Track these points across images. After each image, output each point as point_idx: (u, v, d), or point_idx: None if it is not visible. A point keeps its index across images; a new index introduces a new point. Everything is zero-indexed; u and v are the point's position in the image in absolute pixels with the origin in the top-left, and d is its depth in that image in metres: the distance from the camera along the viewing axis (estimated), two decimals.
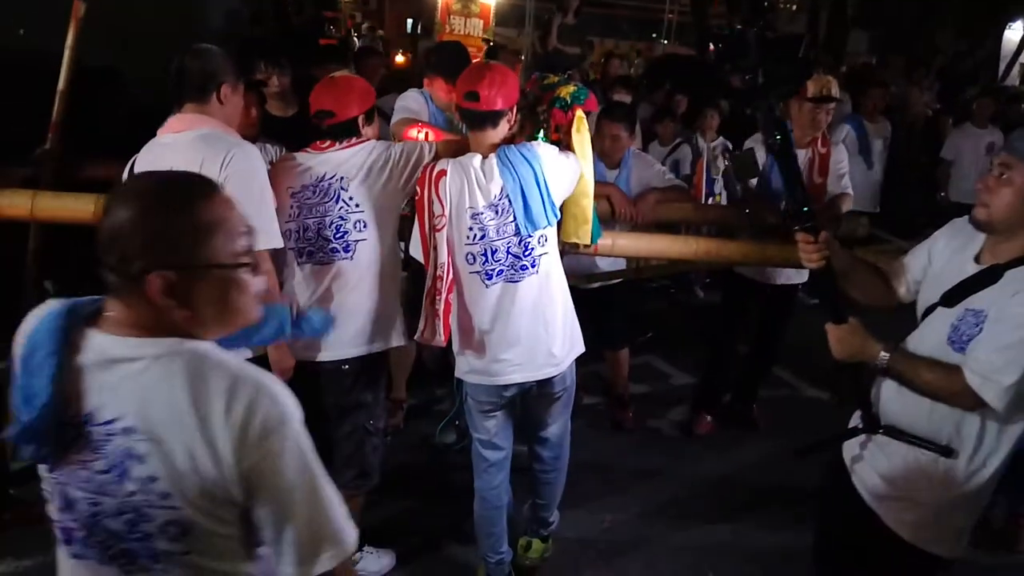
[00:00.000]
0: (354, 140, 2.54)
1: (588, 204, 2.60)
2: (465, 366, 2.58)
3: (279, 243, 2.39)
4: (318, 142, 2.55)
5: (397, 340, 2.71)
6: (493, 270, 2.43)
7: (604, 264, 3.70)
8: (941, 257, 1.99)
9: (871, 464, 2.02)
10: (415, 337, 2.53)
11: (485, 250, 2.41)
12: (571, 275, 2.71)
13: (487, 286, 2.44)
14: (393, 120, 3.21)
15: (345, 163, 2.50)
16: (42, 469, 1.22)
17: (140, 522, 1.17)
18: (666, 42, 16.65)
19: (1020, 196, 1.76)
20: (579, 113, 2.53)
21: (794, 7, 15.73)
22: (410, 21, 16.68)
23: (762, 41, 1.95)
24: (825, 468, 2.23)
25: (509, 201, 2.37)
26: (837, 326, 1.94)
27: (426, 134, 2.91)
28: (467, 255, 2.43)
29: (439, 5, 11.29)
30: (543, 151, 2.42)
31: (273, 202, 2.38)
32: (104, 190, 2.01)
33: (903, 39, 12.16)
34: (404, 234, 2.63)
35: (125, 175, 2.40)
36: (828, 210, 3.43)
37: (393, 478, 3.17)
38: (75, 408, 1.15)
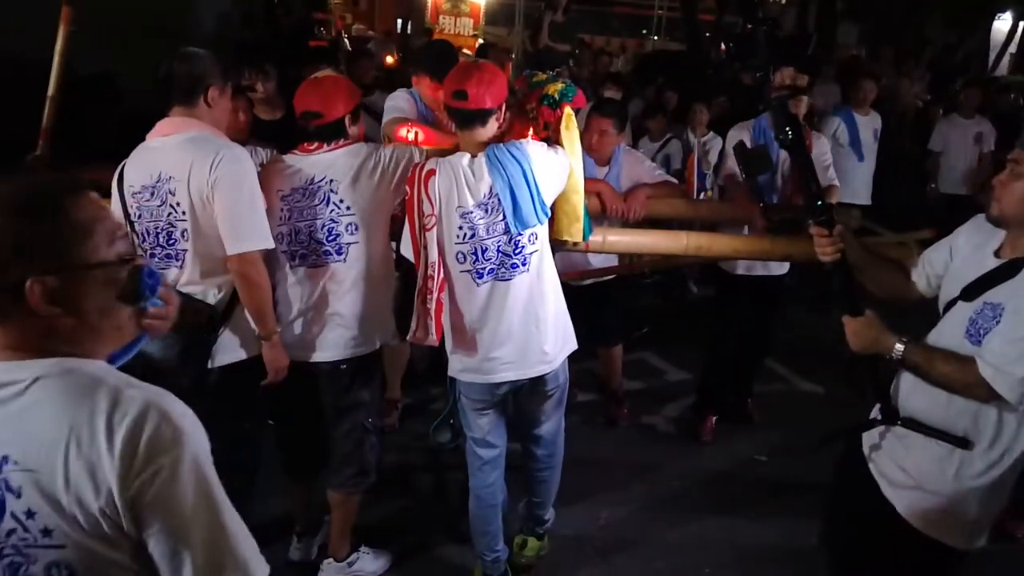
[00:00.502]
0: (342, 141, 2.53)
1: (579, 201, 2.60)
2: (458, 365, 2.58)
3: (270, 244, 2.38)
4: (305, 144, 2.54)
5: (391, 338, 2.72)
6: (484, 269, 2.43)
7: (596, 260, 3.70)
8: (962, 252, 2.00)
9: (890, 454, 2.03)
10: (408, 338, 2.53)
11: (475, 249, 2.41)
12: (563, 272, 2.71)
13: (478, 285, 2.45)
14: (384, 120, 3.21)
15: (333, 165, 2.50)
16: None
17: (23, 565, 1.06)
18: (656, 38, 16.68)
19: None
20: (568, 110, 2.53)
21: (783, 0, 15.75)
22: (400, 21, 16.69)
23: (771, 40, 1.98)
24: (840, 457, 2.23)
25: (498, 200, 2.37)
26: (853, 319, 1.95)
27: (416, 133, 2.91)
28: (457, 254, 2.43)
29: (428, 5, 11.31)
30: (532, 149, 2.42)
31: (263, 203, 2.38)
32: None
33: (892, 31, 12.16)
34: (396, 234, 2.64)
35: (114, 180, 2.40)
36: None
37: (388, 478, 3.18)
38: None
